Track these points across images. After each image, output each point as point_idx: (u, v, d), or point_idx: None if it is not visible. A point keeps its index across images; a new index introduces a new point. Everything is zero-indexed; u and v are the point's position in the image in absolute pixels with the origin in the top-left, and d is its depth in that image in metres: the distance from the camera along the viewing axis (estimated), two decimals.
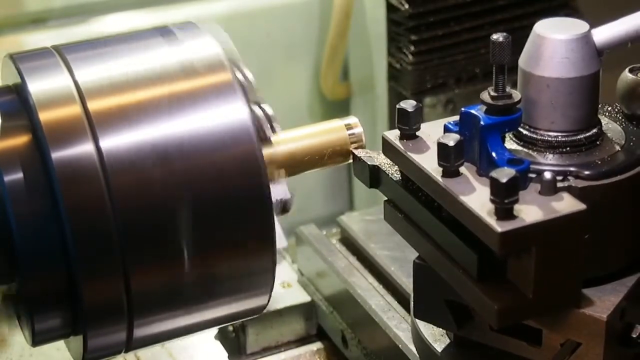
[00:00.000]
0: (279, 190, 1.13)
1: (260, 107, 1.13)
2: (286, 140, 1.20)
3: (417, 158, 1.16)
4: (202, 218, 1.05)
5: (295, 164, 1.20)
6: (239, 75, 1.11)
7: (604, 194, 1.12)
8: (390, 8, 2.10)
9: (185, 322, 1.11)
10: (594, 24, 1.18)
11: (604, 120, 1.21)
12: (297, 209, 1.18)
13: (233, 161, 1.06)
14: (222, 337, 1.56)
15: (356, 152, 1.23)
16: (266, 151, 1.09)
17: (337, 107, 2.32)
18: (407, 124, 1.18)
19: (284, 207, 1.14)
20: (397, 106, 1.19)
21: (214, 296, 1.10)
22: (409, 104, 1.18)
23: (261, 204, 1.07)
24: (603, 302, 1.13)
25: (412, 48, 2.09)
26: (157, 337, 1.12)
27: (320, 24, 2.25)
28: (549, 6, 2.12)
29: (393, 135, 1.20)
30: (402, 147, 1.18)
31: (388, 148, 1.20)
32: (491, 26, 2.11)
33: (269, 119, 1.13)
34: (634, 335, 1.15)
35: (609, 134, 1.19)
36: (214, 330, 1.56)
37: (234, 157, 1.06)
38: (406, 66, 2.11)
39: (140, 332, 1.08)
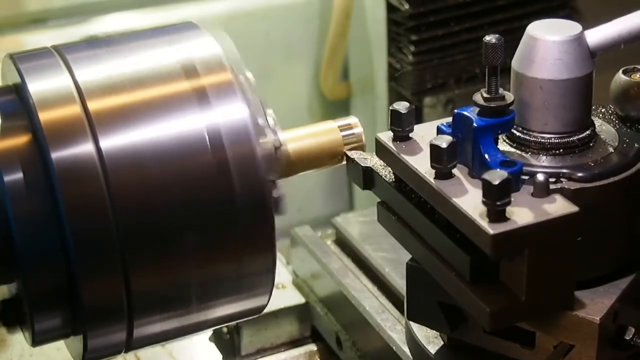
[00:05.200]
0: (277, 190, 1.13)
1: (260, 108, 1.13)
2: (283, 141, 1.19)
3: (409, 160, 1.16)
4: (202, 218, 1.05)
5: (292, 165, 1.20)
6: (240, 76, 1.11)
7: (597, 196, 1.12)
8: (390, 8, 2.11)
9: (185, 322, 1.11)
10: (593, 24, 1.17)
11: (598, 122, 1.21)
12: (297, 209, 1.18)
13: (233, 161, 1.06)
14: (216, 338, 1.56)
15: (349, 153, 1.23)
16: (266, 151, 1.09)
17: (337, 107, 2.32)
18: (400, 126, 1.18)
19: (281, 207, 1.14)
20: (390, 108, 1.18)
21: (214, 296, 1.10)
22: (402, 106, 1.18)
23: (261, 203, 1.07)
24: (596, 304, 1.13)
25: (412, 48, 2.09)
26: (157, 337, 1.12)
27: (320, 24, 2.26)
28: (548, 6, 2.13)
29: (386, 137, 1.20)
30: (394, 149, 1.18)
31: (381, 149, 1.20)
32: (491, 26, 2.11)
33: (268, 119, 1.13)
34: (627, 338, 1.15)
35: (602, 136, 1.19)
36: (209, 332, 1.56)
37: (234, 157, 1.06)
38: (406, 66, 2.11)
39: (140, 332, 1.08)
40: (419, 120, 1.20)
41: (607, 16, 1.18)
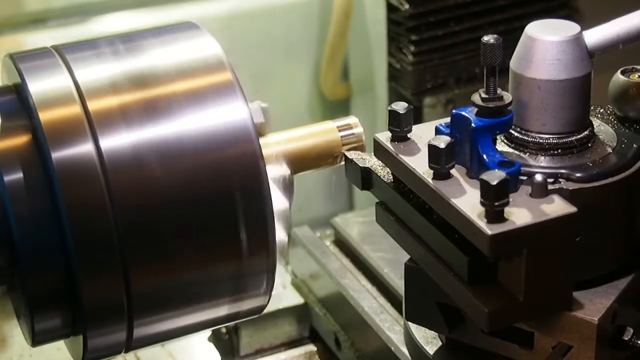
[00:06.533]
0: (287, 192, 1.13)
1: (260, 107, 1.13)
2: (281, 142, 1.20)
3: (408, 160, 1.16)
4: (202, 218, 1.05)
5: (290, 165, 1.20)
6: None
7: (595, 197, 1.12)
8: (390, 8, 2.10)
9: (185, 322, 1.11)
10: (593, 24, 1.17)
11: (596, 122, 1.20)
12: (296, 209, 1.18)
13: (233, 161, 1.06)
14: (215, 339, 1.56)
15: (348, 154, 1.23)
16: (266, 151, 1.09)
17: (337, 107, 2.32)
18: (399, 126, 1.18)
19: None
20: (389, 108, 1.18)
21: (213, 296, 1.10)
22: (400, 106, 1.18)
23: (261, 203, 1.07)
24: (594, 304, 1.13)
25: (412, 48, 2.09)
26: (157, 337, 1.12)
27: (320, 24, 2.25)
28: (548, 6, 2.11)
29: (384, 137, 1.20)
30: (393, 149, 1.18)
31: (379, 150, 1.20)
32: (491, 26, 2.10)
33: (268, 118, 1.13)
34: (626, 338, 1.15)
35: (600, 136, 1.19)
36: (208, 332, 1.56)
37: (234, 157, 1.06)
38: (406, 66, 2.10)
39: (140, 332, 1.08)
40: (419, 120, 1.21)
41: (607, 16, 1.18)
